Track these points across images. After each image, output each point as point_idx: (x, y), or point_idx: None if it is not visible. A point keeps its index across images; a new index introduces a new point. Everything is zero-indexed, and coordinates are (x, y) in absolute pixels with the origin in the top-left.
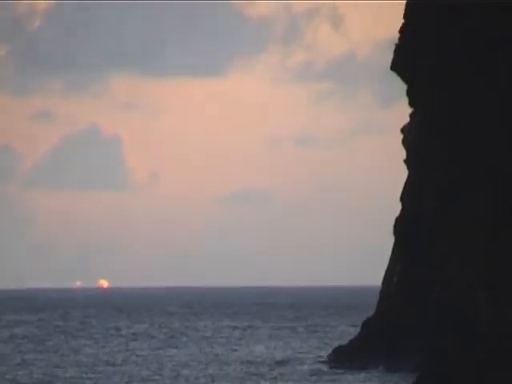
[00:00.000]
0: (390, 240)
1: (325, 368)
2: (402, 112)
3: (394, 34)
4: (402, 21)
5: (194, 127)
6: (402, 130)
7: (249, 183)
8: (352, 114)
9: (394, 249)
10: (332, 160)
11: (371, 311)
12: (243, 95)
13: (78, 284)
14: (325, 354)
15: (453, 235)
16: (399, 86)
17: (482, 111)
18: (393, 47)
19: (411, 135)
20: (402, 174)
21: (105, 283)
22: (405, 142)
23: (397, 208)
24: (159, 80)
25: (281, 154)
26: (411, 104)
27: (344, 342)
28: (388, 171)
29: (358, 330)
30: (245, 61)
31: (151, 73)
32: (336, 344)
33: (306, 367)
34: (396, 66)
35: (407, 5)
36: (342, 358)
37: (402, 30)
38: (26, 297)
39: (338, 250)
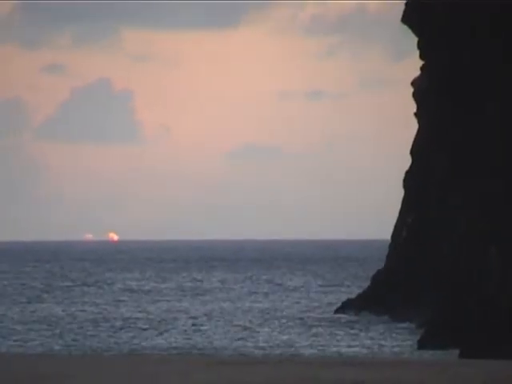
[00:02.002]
0: (400, 193)
1: (331, 320)
2: (413, 65)
3: None
4: None
5: (206, 81)
6: (413, 83)
7: (259, 137)
8: (363, 68)
9: (403, 202)
10: (342, 114)
11: (381, 264)
12: (254, 48)
13: (89, 237)
14: (333, 307)
15: (464, 188)
16: (410, 39)
17: (491, 63)
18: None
19: (421, 88)
20: (413, 127)
21: (114, 236)
22: (415, 96)
23: (407, 161)
24: (171, 33)
25: (291, 107)
26: (422, 57)
27: (353, 295)
28: (396, 126)
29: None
30: (256, 14)
31: (163, 26)
32: (346, 297)
33: (308, 319)
34: (407, 19)
35: None
36: (350, 310)
37: None
38: (37, 249)
39: (346, 205)
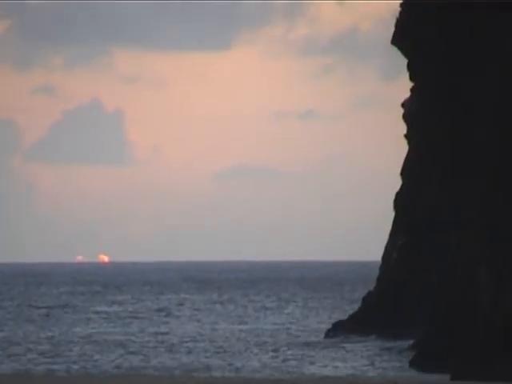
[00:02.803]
0: (390, 214)
1: (323, 342)
2: (404, 86)
3: (397, 8)
4: None
5: (197, 101)
6: (403, 105)
7: (252, 157)
8: (355, 88)
9: (393, 223)
10: (334, 134)
11: (372, 286)
12: (246, 69)
13: (79, 259)
14: (324, 328)
15: (454, 211)
16: (401, 60)
17: (482, 85)
18: (395, 21)
19: (412, 110)
20: (403, 148)
21: (105, 258)
22: (405, 117)
23: (397, 182)
24: (162, 54)
25: (284, 127)
26: (412, 78)
27: (344, 316)
28: (389, 145)
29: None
30: (248, 34)
31: (154, 47)
32: (337, 318)
33: (300, 341)
34: (396, 40)
35: None
36: (341, 332)
37: (403, 4)
38: (27, 271)
39: (338, 226)
